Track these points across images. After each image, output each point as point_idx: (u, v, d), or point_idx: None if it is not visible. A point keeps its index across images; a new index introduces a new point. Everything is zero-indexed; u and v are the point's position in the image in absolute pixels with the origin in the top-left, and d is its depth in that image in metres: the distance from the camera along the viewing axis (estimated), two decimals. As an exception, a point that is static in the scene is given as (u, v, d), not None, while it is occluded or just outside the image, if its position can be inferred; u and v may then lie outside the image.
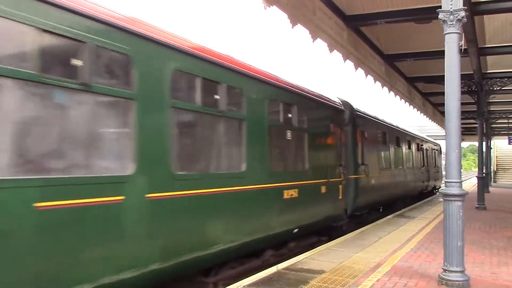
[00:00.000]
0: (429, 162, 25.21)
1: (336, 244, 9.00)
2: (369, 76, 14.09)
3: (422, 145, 23.22)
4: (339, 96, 12.12)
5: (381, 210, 16.09)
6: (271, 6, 8.36)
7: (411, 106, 21.84)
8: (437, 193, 26.97)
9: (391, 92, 17.22)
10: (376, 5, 10.59)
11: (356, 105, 13.04)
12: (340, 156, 11.08)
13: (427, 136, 28.33)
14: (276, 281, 6.21)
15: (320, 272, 6.68)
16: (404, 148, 18.98)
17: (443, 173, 30.57)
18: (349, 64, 12.37)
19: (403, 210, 16.38)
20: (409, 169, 19.61)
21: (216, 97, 6.33)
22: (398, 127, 18.38)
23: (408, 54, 14.48)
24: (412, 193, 20.81)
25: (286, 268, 6.94)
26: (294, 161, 8.89)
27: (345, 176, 11.22)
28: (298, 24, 9.28)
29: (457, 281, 5.82)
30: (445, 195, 5.96)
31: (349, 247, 8.68)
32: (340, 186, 10.90)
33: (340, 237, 9.88)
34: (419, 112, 24.15)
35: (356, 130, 12.51)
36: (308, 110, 9.25)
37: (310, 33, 9.83)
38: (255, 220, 7.23)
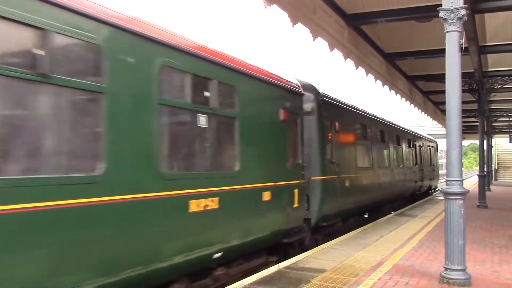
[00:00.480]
0: (423, 160, 22.96)
1: (337, 243, 9.00)
2: (369, 74, 14.09)
3: (414, 141, 21.09)
4: (300, 78, 9.75)
5: (366, 216, 14.26)
6: (271, 5, 8.36)
7: (412, 105, 21.85)
8: (433, 194, 25.38)
9: (392, 90, 17.24)
10: (376, 4, 10.59)
11: (324, 89, 10.70)
12: (297, 152, 8.75)
13: (427, 133, 28.18)
14: (278, 280, 6.22)
15: (322, 270, 6.68)
16: (392, 144, 16.71)
17: (440, 172, 30.46)
18: (350, 62, 12.39)
19: (404, 208, 16.36)
20: (397, 168, 17.32)
21: (37, 52, 3.93)
22: (383, 120, 16.02)
23: (408, 53, 14.48)
24: (403, 195, 18.77)
25: (288, 267, 6.95)
26: (212, 158, 6.34)
27: (304, 178, 8.89)
28: (299, 23, 9.29)
29: (458, 279, 5.82)
30: (446, 193, 5.96)
31: (350, 246, 8.69)
32: (296, 191, 8.47)
33: (341, 236, 9.88)
34: (420, 110, 24.15)
35: (323, 121, 10.17)
36: (242, 88, 6.84)
37: (310, 32, 9.84)
38: (129, 248, 4.77)
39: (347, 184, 11.32)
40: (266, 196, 7.42)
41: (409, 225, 11.76)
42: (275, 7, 8.52)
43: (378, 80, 15.06)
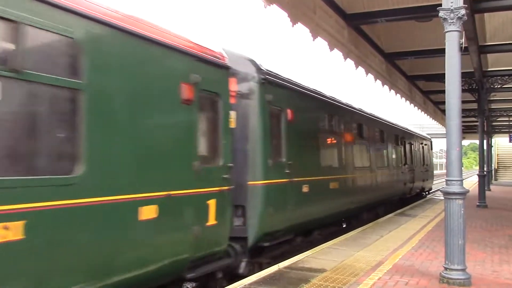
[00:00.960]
0: (415, 159, 20.80)
1: (337, 243, 8.99)
2: (369, 74, 14.10)
3: (404, 138, 18.78)
4: (234, 48, 7.68)
5: (344, 225, 12.32)
6: (271, 5, 8.36)
7: (412, 105, 21.86)
8: (427, 196, 23.49)
9: (392, 90, 17.24)
10: (376, 4, 10.60)
11: (271, 66, 8.27)
12: (216, 147, 6.42)
13: (426, 133, 28.06)
14: (278, 280, 6.22)
15: (322, 270, 6.68)
16: (374, 141, 14.48)
17: (441, 171, 30.10)
18: (350, 62, 12.39)
19: (404, 208, 16.33)
20: (381, 169, 14.98)
21: None
22: (361, 111, 13.63)
23: (408, 52, 14.49)
24: (389, 199, 16.55)
25: (288, 267, 6.95)
26: (11, 154, 3.90)
27: (229, 183, 6.49)
28: (299, 23, 9.29)
29: (458, 279, 5.82)
30: (446, 193, 5.96)
31: (350, 245, 8.68)
32: (212, 202, 6.11)
33: (341, 236, 9.87)
34: (419, 110, 24.17)
35: (267, 106, 7.79)
36: (94, 45, 4.43)
37: (310, 32, 9.83)
38: None
39: (305, 189, 8.92)
40: (147, 212, 5.01)
41: (409, 224, 11.76)
42: (275, 6, 8.52)
43: (378, 80, 15.06)
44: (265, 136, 7.70)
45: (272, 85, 8.01)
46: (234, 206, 7.03)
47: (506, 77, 16.78)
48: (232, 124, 6.91)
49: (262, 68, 7.78)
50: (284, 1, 8.71)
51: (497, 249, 8.54)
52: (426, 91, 21.73)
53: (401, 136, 18.42)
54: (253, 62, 7.78)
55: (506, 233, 10.38)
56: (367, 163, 13.68)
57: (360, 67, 13.07)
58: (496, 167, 41.73)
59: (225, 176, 6.42)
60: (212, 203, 6.15)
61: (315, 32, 9.96)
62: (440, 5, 6.07)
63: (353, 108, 12.86)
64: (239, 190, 7.11)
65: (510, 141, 36.03)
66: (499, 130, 36.17)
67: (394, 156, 17.16)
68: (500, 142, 42.56)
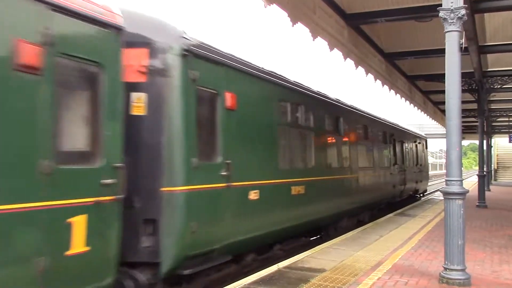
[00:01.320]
0: (407, 159, 19.05)
1: (337, 243, 8.99)
2: (369, 74, 14.11)
3: (393, 135, 16.94)
4: (139, 10, 5.90)
5: (321, 235, 10.73)
6: (271, 5, 8.36)
7: (412, 105, 21.87)
8: (421, 199, 21.94)
9: (392, 90, 17.24)
10: (376, 3, 10.60)
11: (198, 35, 6.12)
12: (93, 139, 4.65)
13: (425, 132, 27.97)
14: (277, 280, 6.22)
15: (321, 270, 6.68)
16: (353, 137, 12.49)
17: (435, 172, 29.84)
18: (350, 62, 12.40)
19: (404, 208, 16.33)
20: (363, 169, 13.05)
21: None
22: (339, 102, 11.62)
23: (408, 52, 14.49)
24: (373, 204, 14.45)
25: (287, 267, 6.94)
26: None
27: (116, 191, 4.72)
28: (298, 23, 9.29)
29: (458, 279, 5.82)
30: (446, 193, 5.96)
31: (350, 245, 8.68)
32: (78, 220, 4.28)
33: (341, 236, 9.87)
34: (419, 110, 24.17)
35: (191, 87, 5.82)
36: None
37: (310, 32, 9.84)
38: None
39: (253, 196, 7.09)
40: None
41: (409, 224, 11.76)
42: (274, 6, 8.52)
43: (378, 80, 15.08)
44: (188, 126, 5.74)
45: (202, 60, 6.02)
46: (143, 220, 5.41)
47: (506, 77, 16.78)
48: (140, 110, 5.48)
49: (185, 36, 5.78)
50: (284, 1, 8.71)
51: (496, 249, 8.54)
52: (426, 91, 21.73)
53: (390, 133, 16.55)
54: (172, 29, 5.80)
55: (506, 233, 10.38)
56: (346, 163, 11.77)
57: (360, 67, 13.08)
58: (495, 168, 41.75)
59: (107, 181, 4.56)
60: (78, 221, 4.27)
61: (315, 32, 9.96)
62: (440, 5, 6.07)
63: (326, 97, 10.75)
64: (150, 200, 5.45)
65: (510, 142, 36.04)
66: (499, 131, 36.16)
67: (381, 155, 15.23)
68: (499, 143, 42.55)
